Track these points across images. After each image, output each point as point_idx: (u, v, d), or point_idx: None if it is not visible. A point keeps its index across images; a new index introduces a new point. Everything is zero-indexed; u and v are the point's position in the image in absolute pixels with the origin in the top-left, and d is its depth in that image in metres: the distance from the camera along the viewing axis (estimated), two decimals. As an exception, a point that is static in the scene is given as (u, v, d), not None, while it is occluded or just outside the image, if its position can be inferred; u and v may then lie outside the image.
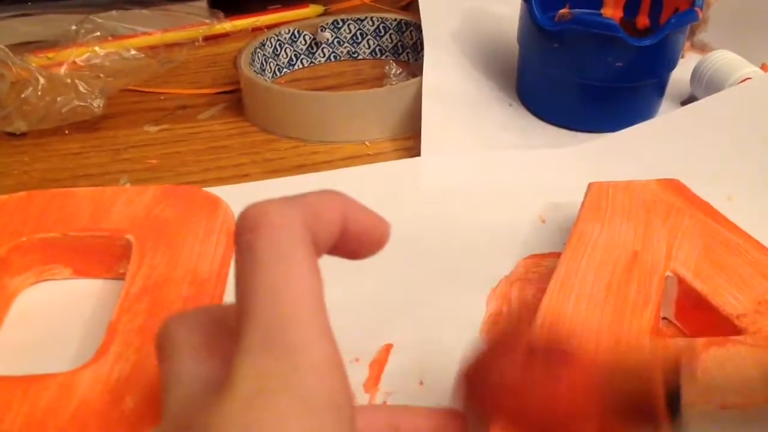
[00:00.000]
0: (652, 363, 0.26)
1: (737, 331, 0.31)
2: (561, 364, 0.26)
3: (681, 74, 0.54)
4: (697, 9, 0.48)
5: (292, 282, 0.20)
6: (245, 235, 0.21)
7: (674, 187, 0.39)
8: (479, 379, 0.27)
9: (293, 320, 0.20)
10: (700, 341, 0.30)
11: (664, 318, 0.35)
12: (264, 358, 0.19)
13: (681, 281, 0.34)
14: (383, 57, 0.64)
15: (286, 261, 0.20)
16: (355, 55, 0.64)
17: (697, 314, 0.34)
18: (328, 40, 0.62)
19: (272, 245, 0.21)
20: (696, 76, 0.54)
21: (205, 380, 0.21)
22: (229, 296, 0.34)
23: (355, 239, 0.24)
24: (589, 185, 0.39)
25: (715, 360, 0.29)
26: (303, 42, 0.62)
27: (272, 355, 0.19)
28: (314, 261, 0.21)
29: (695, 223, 0.37)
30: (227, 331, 0.23)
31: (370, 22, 0.62)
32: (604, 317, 0.31)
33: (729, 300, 0.33)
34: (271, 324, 0.20)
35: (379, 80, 0.59)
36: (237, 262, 0.21)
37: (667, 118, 0.51)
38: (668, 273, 0.34)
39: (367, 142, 0.52)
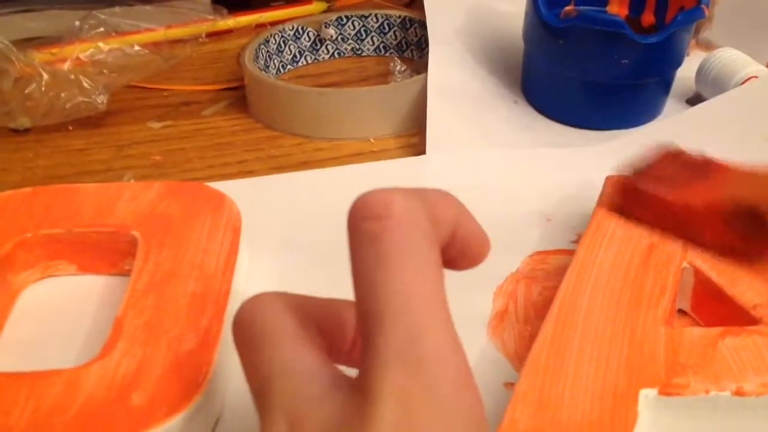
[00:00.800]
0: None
1: (753, 321, 0.31)
2: (701, 166, 0.35)
3: (686, 72, 0.54)
4: (703, 6, 0.48)
5: (422, 286, 0.19)
6: (369, 222, 0.20)
7: None
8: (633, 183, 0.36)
9: (428, 330, 0.19)
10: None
11: (680, 310, 0.35)
12: (403, 374, 0.18)
13: (697, 272, 0.34)
14: (387, 54, 0.63)
15: (416, 260, 0.20)
16: (359, 52, 0.64)
17: (713, 305, 0.34)
18: (332, 36, 0.62)
19: (400, 240, 0.20)
20: (701, 74, 0.54)
21: (316, 377, 0.20)
22: (234, 292, 0.34)
23: (460, 247, 0.23)
24: (607, 179, 0.39)
25: (731, 349, 0.29)
26: (307, 39, 0.62)
27: (411, 371, 0.18)
28: (439, 259, 0.21)
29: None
30: (312, 320, 0.22)
31: (374, 19, 0.62)
32: (620, 307, 0.31)
33: (745, 290, 0.33)
34: (406, 334, 0.19)
35: (384, 77, 0.59)
36: (357, 250, 0.20)
37: (675, 119, 0.51)
38: (684, 264, 0.34)
39: (371, 139, 0.52)
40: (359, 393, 0.19)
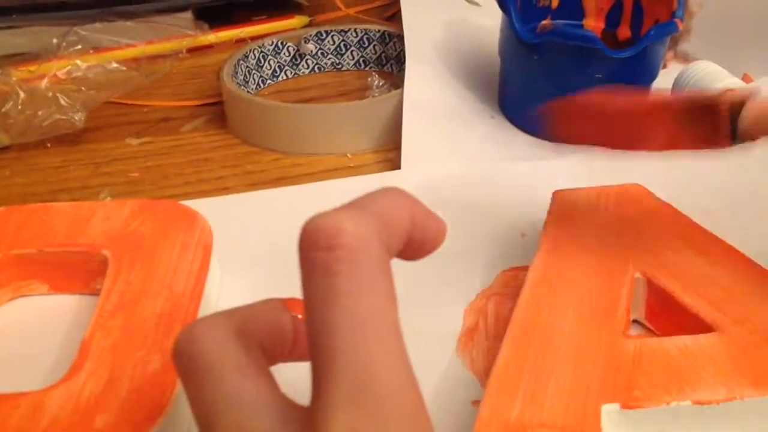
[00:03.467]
0: (721, 95, 0.32)
1: (708, 329, 0.32)
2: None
3: (663, 84, 0.54)
4: (677, 20, 0.48)
5: (376, 321, 0.19)
6: (319, 252, 0.19)
7: (637, 191, 0.40)
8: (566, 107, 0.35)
9: (381, 368, 0.18)
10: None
11: (634, 320, 0.35)
12: (355, 415, 0.18)
13: (649, 282, 0.34)
14: (367, 68, 0.64)
15: (368, 294, 0.19)
16: (339, 66, 0.64)
17: (668, 315, 0.34)
18: (311, 51, 0.62)
19: (353, 272, 0.19)
20: (677, 86, 0.54)
21: (263, 409, 0.20)
22: (204, 311, 0.34)
23: (415, 245, 0.22)
24: (554, 194, 0.40)
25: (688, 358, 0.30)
26: (287, 53, 0.62)
27: (362, 411, 0.18)
28: (393, 290, 0.20)
29: (660, 224, 0.37)
30: (254, 341, 0.22)
31: (354, 34, 0.62)
32: (577, 321, 0.32)
33: (697, 298, 0.33)
34: (357, 373, 0.18)
35: (363, 91, 0.59)
36: (308, 281, 0.20)
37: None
38: (637, 275, 0.34)
39: (348, 154, 0.52)
40: None
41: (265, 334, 0.22)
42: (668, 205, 0.38)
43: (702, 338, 0.31)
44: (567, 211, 0.38)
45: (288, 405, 0.20)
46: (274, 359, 0.23)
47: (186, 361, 0.21)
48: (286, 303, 0.23)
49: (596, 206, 0.38)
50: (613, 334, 0.31)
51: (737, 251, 0.35)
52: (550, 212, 0.38)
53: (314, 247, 0.19)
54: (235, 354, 0.21)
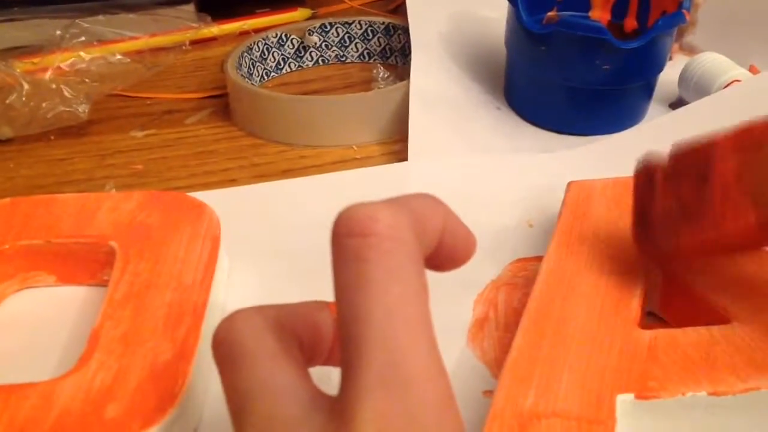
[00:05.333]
0: None
1: (724, 320, 0.31)
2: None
3: (669, 76, 0.54)
4: (684, 11, 0.48)
5: (406, 309, 0.19)
6: (353, 239, 0.19)
7: None
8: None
9: (411, 354, 0.18)
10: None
11: (649, 312, 0.35)
12: (383, 399, 0.18)
13: (665, 274, 0.34)
14: (371, 60, 0.63)
15: (401, 282, 0.19)
16: (343, 58, 0.64)
17: (682, 306, 0.34)
18: (315, 43, 0.62)
19: (385, 260, 0.19)
20: (684, 78, 0.54)
21: (294, 396, 0.20)
22: (213, 303, 0.34)
23: (446, 252, 0.22)
24: (569, 184, 0.40)
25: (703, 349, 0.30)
26: (291, 46, 0.62)
27: (391, 396, 0.18)
28: (425, 280, 0.20)
29: None
30: (292, 336, 0.22)
31: (358, 26, 0.62)
32: (591, 312, 0.32)
33: (714, 289, 0.33)
34: (387, 358, 0.18)
35: (367, 84, 0.59)
36: (339, 267, 0.20)
37: (656, 122, 0.51)
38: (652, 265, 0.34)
39: (354, 146, 0.52)
40: (339, 418, 0.18)
41: (303, 331, 0.22)
42: None
43: (718, 329, 0.30)
44: (582, 201, 0.38)
45: (318, 394, 0.20)
46: (312, 359, 0.23)
47: (224, 349, 0.21)
48: (328, 305, 0.23)
49: (610, 196, 0.38)
50: (628, 325, 0.31)
51: None
52: (564, 202, 0.38)
53: (347, 233, 0.19)
54: (270, 344, 0.21)
